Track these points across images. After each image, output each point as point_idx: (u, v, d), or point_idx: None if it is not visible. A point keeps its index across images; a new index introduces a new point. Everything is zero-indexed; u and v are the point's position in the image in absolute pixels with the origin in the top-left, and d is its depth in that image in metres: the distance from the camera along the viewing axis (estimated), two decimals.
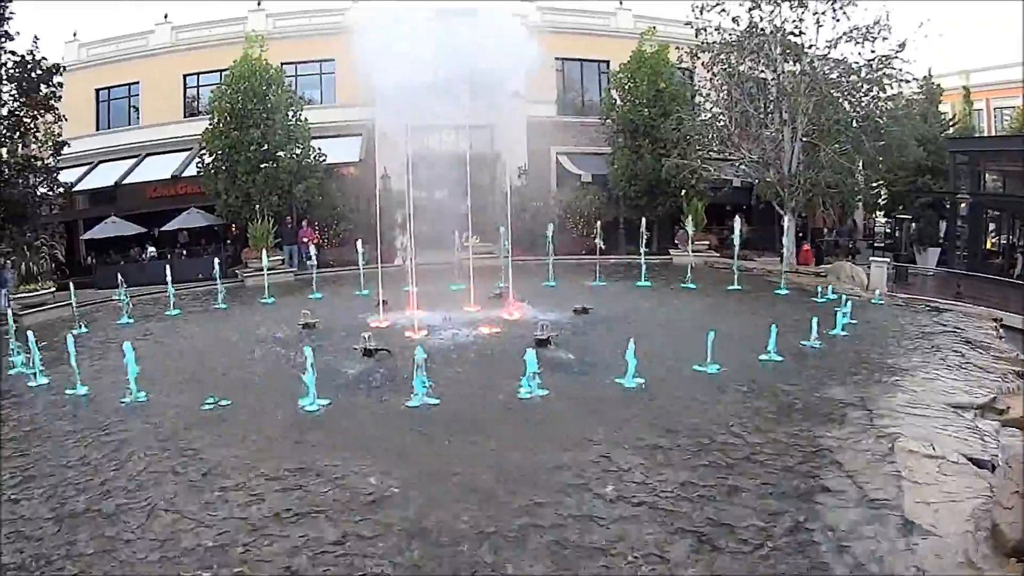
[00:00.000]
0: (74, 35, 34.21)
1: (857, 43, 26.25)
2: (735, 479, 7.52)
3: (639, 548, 6.19)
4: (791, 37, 26.13)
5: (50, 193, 25.40)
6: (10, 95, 27.50)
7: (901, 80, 25.35)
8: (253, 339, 16.19)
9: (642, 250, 21.58)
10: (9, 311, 17.27)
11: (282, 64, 27.58)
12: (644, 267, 21.24)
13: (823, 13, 26.07)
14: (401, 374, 11.52)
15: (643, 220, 22.29)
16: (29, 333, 13.53)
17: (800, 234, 27.17)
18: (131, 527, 7.05)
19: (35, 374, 13.13)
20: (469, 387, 11.28)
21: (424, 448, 8.95)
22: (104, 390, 12.12)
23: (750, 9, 26.71)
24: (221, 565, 6.27)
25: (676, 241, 26.33)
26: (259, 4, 31.54)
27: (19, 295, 20.55)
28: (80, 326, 16.99)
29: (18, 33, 26.95)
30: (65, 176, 26.61)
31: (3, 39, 26.99)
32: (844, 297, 15.80)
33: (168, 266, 21.71)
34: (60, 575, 6.23)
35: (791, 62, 25.82)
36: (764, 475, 7.65)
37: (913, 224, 32.21)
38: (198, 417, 10.55)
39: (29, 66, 27.52)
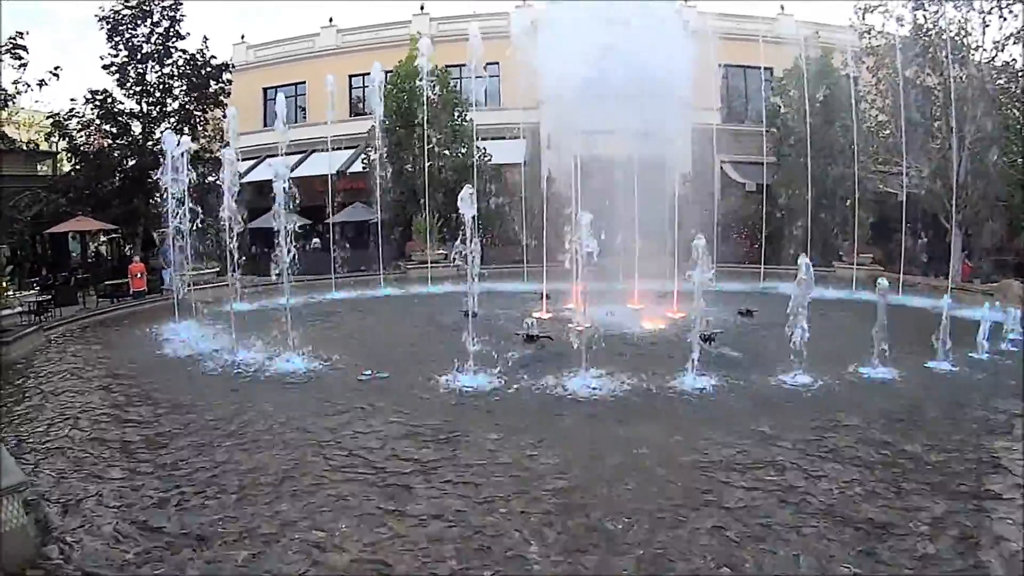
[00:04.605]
0: (242, 38, 36.54)
1: None
2: (900, 480, 7.35)
3: (798, 540, 6.02)
4: (957, 39, 25.24)
5: (218, 182, 27.12)
6: (181, 90, 29.63)
7: None
8: (415, 322, 17.23)
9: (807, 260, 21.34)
10: (175, 287, 18.43)
11: (446, 66, 28.53)
12: None
13: (989, 12, 25.08)
14: (562, 360, 11.69)
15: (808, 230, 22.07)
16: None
17: (965, 251, 26.16)
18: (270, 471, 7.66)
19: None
20: (630, 376, 11.27)
21: (583, 429, 9.11)
22: (261, 359, 13.01)
23: (914, 9, 25.95)
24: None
25: (840, 253, 25.88)
26: (422, 8, 32.78)
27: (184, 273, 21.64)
28: (239, 303, 17.46)
29: (188, 33, 29.10)
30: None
31: (175, 38, 29.15)
32: (1013, 312, 15.44)
33: (333, 256, 22.84)
34: None
35: (957, 66, 24.90)
36: (931, 478, 7.45)
37: None
38: (354, 386, 11.16)
39: (199, 64, 29.55)
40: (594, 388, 10.69)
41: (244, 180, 31.02)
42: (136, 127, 29.19)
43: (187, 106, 29.99)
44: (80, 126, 28.76)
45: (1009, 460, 8.02)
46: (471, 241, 11.61)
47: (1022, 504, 6.80)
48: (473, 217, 11.47)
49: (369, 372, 11.78)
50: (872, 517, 6.44)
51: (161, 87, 29.26)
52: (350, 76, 33.39)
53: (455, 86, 29.28)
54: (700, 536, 6.12)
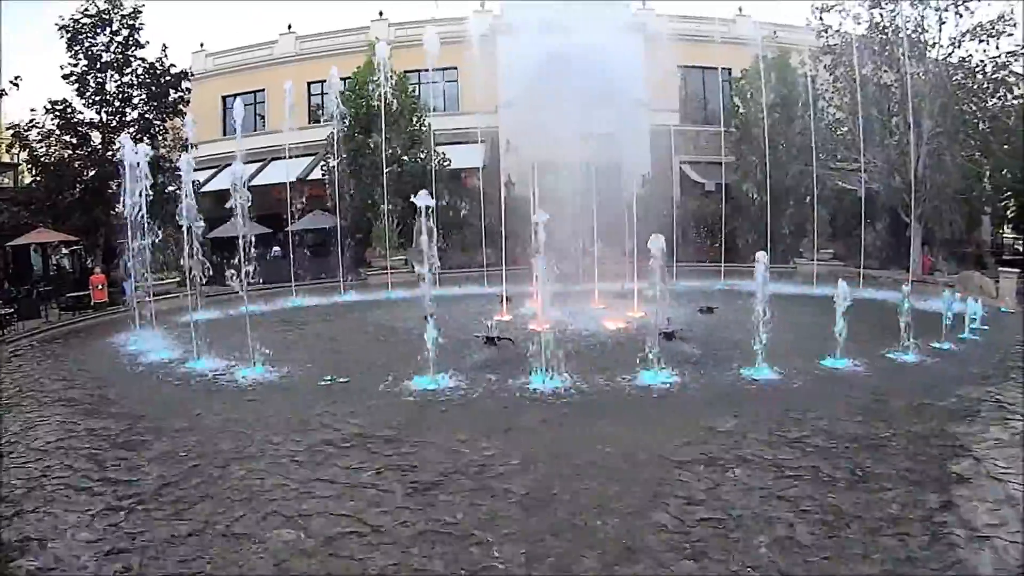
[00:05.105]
0: (201, 46, 36.23)
1: (981, 41, 25.42)
2: (865, 467, 7.31)
3: (766, 530, 5.97)
4: (913, 36, 25.47)
5: (178, 191, 26.74)
6: (140, 99, 29.30)
7: None
8: (375, 327, 17.08)
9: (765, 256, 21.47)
10: (133, 298, 18.15)
11: (404, 72, 28.42)
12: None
13: (945, 9, 25.32)
14: (523, 361, 11.51)
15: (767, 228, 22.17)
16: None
17: (925, 245, 26.41)
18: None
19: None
20: (592, 375, 11.15)
21: (545, 427, 9.00)
22: (219, 366, 12.82)
23: (871, 8, 26.17)
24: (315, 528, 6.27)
25: (801, 250, 26.03)
26: (381, 14, 32.68)
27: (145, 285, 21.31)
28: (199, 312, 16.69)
29: (148, 42, 28.76)
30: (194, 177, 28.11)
31: (134, 47, 28.81)
32: (975, 302, 15.55)
33: (293, 265, 22.70)
34: None
35: (914, 63, 25.13)
36: (895, 463, 7.43)
37: None
38: (315, 392, 10.94)
39: (158, 72, 29.24)
40: (555, 388, 10.58)
41: (203, 189, 30.86)
42: (96, 137, 28.81)
43: (146, 115, 29.62)
44: (40, 136, 28.34)
45: (974, 445, 8.01)
46: (429, 244, 11.48)
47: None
48: (428, 215, 11.33)
49: (330, 377, 11.63)
50: (837, 505, 6.42)
51: (120, 96, 28.86)
52: (308, 83, 33.24)
53: (414, 91, 29.17)
54: (666, 529, 6.06)
